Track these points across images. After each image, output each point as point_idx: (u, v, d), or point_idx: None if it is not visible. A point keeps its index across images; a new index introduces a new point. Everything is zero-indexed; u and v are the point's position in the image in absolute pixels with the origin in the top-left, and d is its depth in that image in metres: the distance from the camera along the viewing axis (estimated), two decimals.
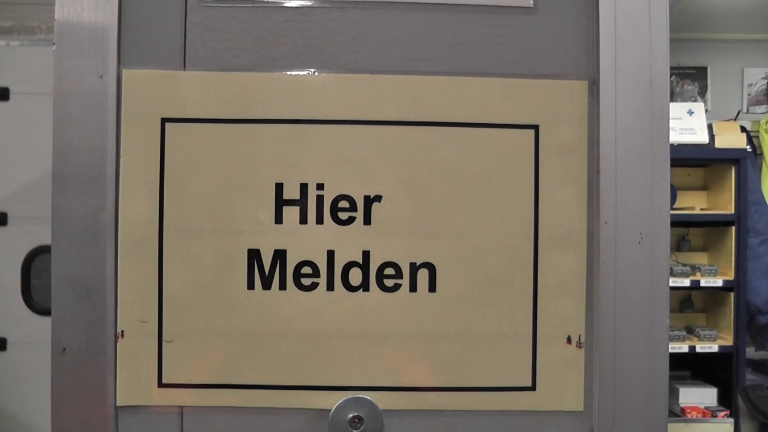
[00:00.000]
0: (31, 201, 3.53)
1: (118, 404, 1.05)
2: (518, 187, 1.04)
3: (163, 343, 1.05)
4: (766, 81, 4.78)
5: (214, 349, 1.05)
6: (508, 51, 1.05)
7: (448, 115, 1.05)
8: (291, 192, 1.04)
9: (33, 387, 3.54)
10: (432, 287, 1.05)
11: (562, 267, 1.05)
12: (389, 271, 1.04)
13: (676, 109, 4.16)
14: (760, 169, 4.60)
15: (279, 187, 1.04)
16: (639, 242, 1.02)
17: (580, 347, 1.05)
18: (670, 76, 4.38)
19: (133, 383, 1.05)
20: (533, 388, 1.05)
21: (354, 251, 1.05)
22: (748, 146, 4.34)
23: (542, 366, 1.05)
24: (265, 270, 1.04)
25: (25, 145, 3.49)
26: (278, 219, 1.04)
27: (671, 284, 3.92)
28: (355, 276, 1.04)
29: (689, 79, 4.62)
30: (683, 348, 4.16)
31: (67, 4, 1.03)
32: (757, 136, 4.61)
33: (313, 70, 1.05)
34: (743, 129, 4.43)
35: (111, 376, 1.05)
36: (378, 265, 1.04)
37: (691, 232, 4.48)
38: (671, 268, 4.14)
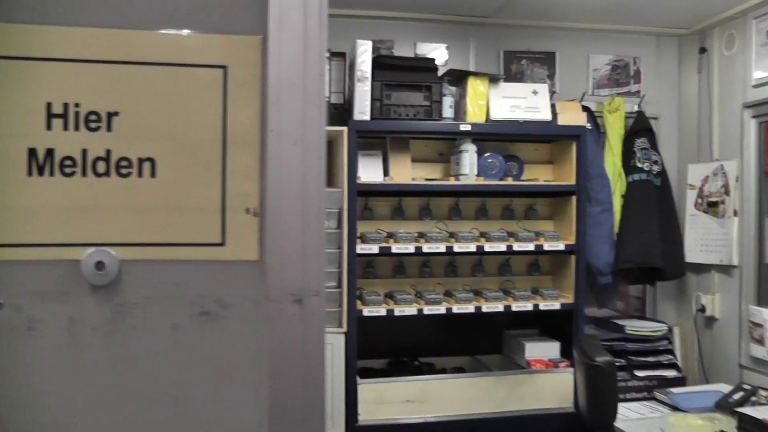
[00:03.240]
0: None
1: None
2: (213, 107, 1.53)
3: None
4: (609, 67, 5.31)
5: (5, 218, 1.51)
6: (209, 15, 1.54)
7: (167, 57, 1.53)
8: (57, 108, 1.51)
9: None
10: (153, 174, 1.53)
11: (243, 161, 1.54)
12: (124, 163, 1.52)
13: (523, 89, 4.65)
14: (604, 147, 5.11)
15: (49, 105, 1.51)
16: (294, 143, 1.50)
17: (255, 216, 1.54)
18: (521, 60, 4.92)
19: None
20: (223, 244, 1.54)
21: (100, 150, 1.52)
22: (589, 124, 4.85)
23: (229, 229, 1.54)
24: (40, 162, 1.51)
25: None
26: (48, 127, 1.51)
27: (518, 249, 4.44)
28: (101, 166, 1.52)
29: (539, 62, 5.11)
30: (528, 306, 4.65)
31: None
32: (602, 116, 5.10)
33: (76, 27, 1.52)
34: (585, 108, 4.93)
35: None
36: (116, 159, 1.52)
37: (538, 202, 4.99)
38: (517, 234, 4.64)
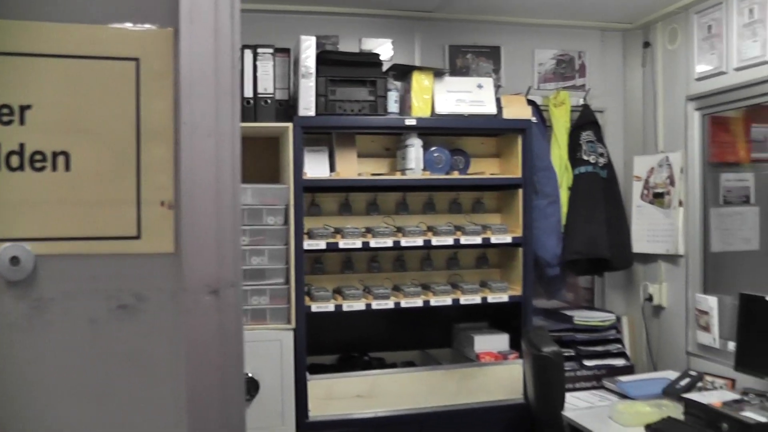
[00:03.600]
0: None
1: None
2: (127, 99, 1.53)
3: None
4: (554, 61, 5.36)
5: None
6: (120, 7, 1.54)
7: (78, 50, 1.52)
8: None
9: None
10: (68, 168, 1.52)
11: (157, 153, 1.54)
12: (38, 157, 1.51)
13: (467, 83, 4.69)
14: (550, 140, 5.16)
15: None
16: (208, 136, 1.50)
17: (170, 208, 1.54)
18: (467, 54, 4.94)
19: None
20: (139, 237, 1.54)
21: (14, 143, 1.51)
22: (535, 117, 4.90)
23: (144, 222, 1.54)
24: None
25: None
26: None
27: (466, 242, 4.47)
28: (15, 161, 1.51)
29: (484, 57, 5.14)
30: (476, 299, 4.69)
31: None
32: (548, 110, 5.15)
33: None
34: (531, 102, 4.99)
35: None
36: (30, 153, 1.51)
37: (485, 196, 5.03)
38: (464, 228, 4.67)
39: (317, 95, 4.32)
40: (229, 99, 1.51)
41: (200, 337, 1.52)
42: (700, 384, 4.56)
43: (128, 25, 1.53)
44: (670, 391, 4.55)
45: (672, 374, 4.83)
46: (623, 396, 4.68)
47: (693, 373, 4.67)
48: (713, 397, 4.06)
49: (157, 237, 1.54)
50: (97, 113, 1.52)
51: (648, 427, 4.05)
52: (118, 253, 1.54)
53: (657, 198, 5.26)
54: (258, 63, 4.34)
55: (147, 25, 1.54)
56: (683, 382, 4.59)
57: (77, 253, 1.53)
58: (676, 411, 4.16)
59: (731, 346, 4.52)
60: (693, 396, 4.15)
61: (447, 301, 4.59)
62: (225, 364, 1.52)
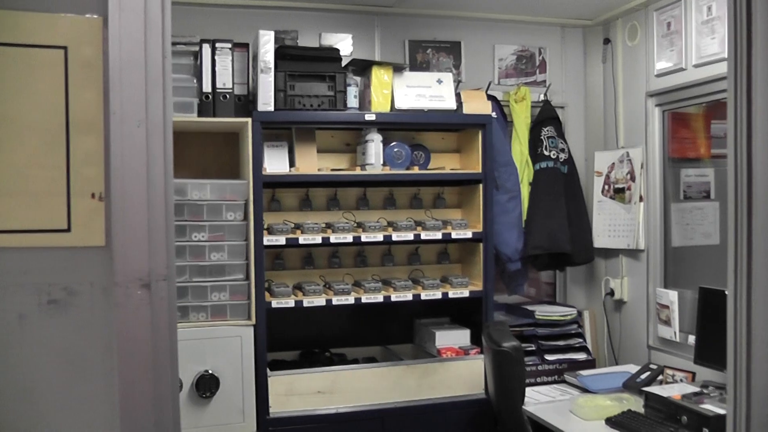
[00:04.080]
0: None
1: None
2: (55, 88, 1.50)
3: None
4: (515, 57, 5.36)
5: None
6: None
7: (5, 37, 1.49)
8: None
9: None
10: None
11: (87, 144, 1.51)
12: None
13: (427, 78, 4.67)
14: (511, 135, 5.16)
15: None
16: (138, 126, 1.48)
17: (101, 200, 1.52)
18: (427, 49, 4.93)
19: None
20: (69, 230, 1.51)
21: None
22: (495, 113, 4.89)
23: (75, 215, 1.52)
24: None
25: None
26: None
27: (426, 237, 4.45)
28: None
29: (444, 52, 5.12)
30: (437, 295, 4.67)
31: None
32: (508, 106, 5.15)
33: None
34: (492, 97, 4.98)
35: None
36: None
37: (445, 191, 5.02)
38: (425, 223, 4.66)
39: (276, 90, 4.29)
40: (160, 89, 1.49)
41: (132, 331, 1.49)
42: (660, 377, 4.59)
43: (56, 12, 1.50)
44: (631, 385, 4.57)
45: (633, 368, 4.85)
46: (584, 390, 4.68)
47: (653, 366, 4.69)
48: (673, 390, 4.08)
49: (87, 230, 1.52)
50: (25, 102, 1.49)
51: (608, 420, 4.06)
52: (48, 247, 1.51)
53: (618, 193, 5.28)
54: (216, 58, 4.30)
55: (75, 14, 1.51)
56: (644, 376, 4.61)
57: (5, 247, 1.50)
58: (636, 404, 4.18)
59: (691, 339, 4.54)
60: (653, 389, 4.18)
61: (408, 296, 4.57)
62: (157, 359, 1.50)
